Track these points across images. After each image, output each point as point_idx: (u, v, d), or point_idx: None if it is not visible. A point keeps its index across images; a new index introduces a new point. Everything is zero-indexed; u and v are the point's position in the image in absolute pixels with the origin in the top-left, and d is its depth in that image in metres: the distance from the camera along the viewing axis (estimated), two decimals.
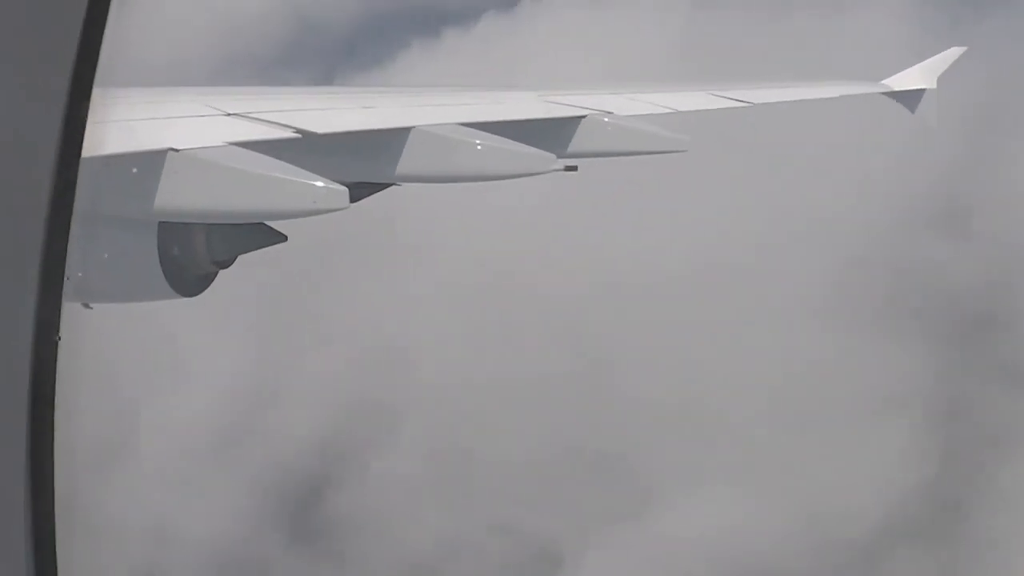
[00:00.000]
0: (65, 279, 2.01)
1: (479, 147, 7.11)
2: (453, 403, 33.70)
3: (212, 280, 6.37)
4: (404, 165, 6.89)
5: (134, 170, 5.29)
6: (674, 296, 34.91)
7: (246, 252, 6.38)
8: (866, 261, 36.23)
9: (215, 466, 33.12)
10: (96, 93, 1.98)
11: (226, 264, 6.36)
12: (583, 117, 8.32)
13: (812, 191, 36.56)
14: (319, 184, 5.58)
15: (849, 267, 35.95)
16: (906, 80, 13.24)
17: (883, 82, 13.26)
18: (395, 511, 31.98)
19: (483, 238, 34.75)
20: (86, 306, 4.96)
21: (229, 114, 6.34)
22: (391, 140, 6.88)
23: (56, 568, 2.12)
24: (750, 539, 29.56)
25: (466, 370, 34.27)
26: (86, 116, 1.97)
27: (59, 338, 2.03)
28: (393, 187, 7.33)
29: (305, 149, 6.15)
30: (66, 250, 1.98)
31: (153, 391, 32.52)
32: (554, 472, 31.93)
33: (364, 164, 6.91)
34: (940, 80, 13.38)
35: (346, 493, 32.90)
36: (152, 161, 5.32)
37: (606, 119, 8.48)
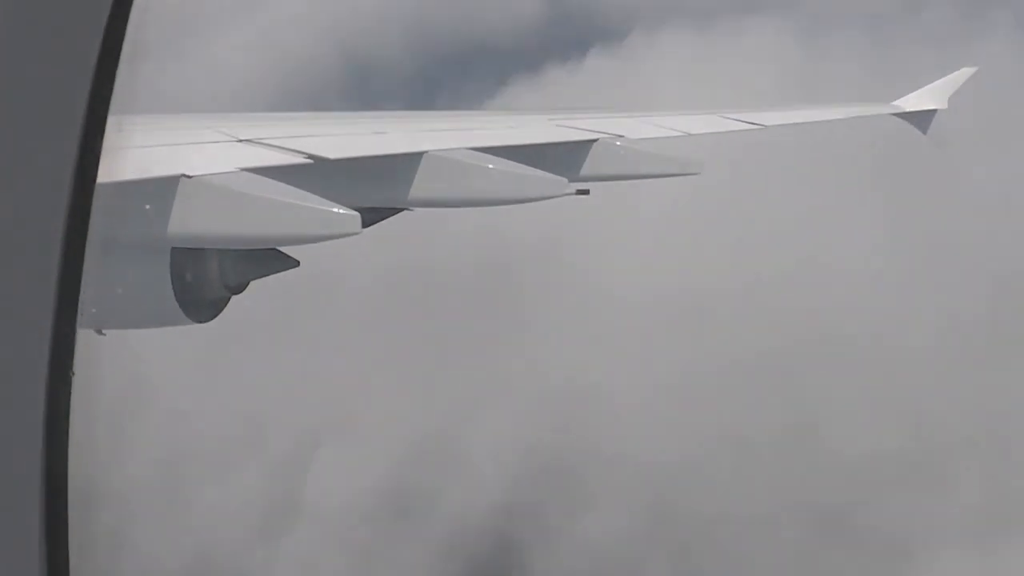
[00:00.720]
0: (79, 308, 2.00)
1: (491, 172, 7.11)
2: (648, 451, 30.23)
3: (224, 306, 6.36)
4: (416, 190, 6.89)
5: (146, 196, 5.29)
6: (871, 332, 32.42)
7: (259, 278, 6.38)
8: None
9: (383, 526, 30.31)
10: (110, 120, 1.98)
11: (238, 290, 6.35)
12: (595, 141, 8.31)
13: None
14: (331, 210, 5.57)
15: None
16: (917, 101, 13.22)
17: (894, 103, 13.25)
18: None
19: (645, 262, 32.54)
20: (99, 332, 4.95)
21: (241, 140, 6.35)
22: (403, 165, 6.88)
23: None
24: None
25: (658, 415, 31.06)
26: (101, 143, 1.96)
27: (73, 373, 2.01)
28: (406, 212, 7.33)
29: (317, 175, 6.14)
30: (80, 278, 1.97)
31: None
32: (780, 529, 28.73)
33: (376, 189, 6.90)
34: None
35: (543, 561, 29.36)
36: (164, 187, 5.33)
37: (618, 143, 8.47)
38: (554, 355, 32.75)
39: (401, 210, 7.28)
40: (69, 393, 2.01)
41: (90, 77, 1.93)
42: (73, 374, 2.01)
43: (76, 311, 1.98)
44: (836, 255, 34.85)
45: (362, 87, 43.45)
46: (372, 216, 6.75)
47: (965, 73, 13.75)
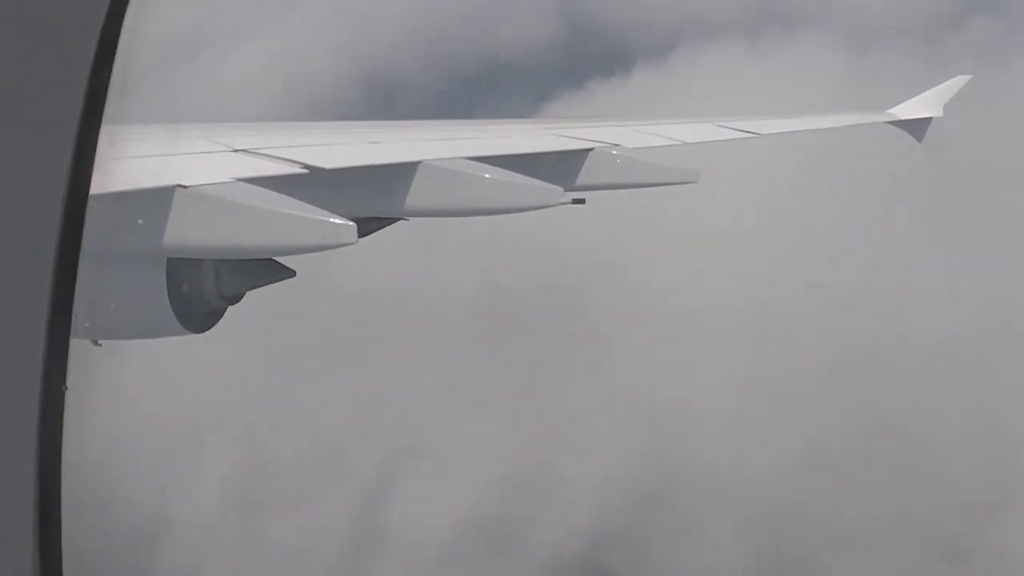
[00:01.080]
0: (72, 319, 1.99)
1: (486, 181, 7.11)
2: (737, 470, 29.27)
3: (221, 316, 6.36)
4: (412, 199, 6.90)
5: (142, 207, 5.29)
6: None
7: (255, 288, 6.38)
8: None
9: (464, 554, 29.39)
10: (104, 130, 1.98)
11: (235, 300, 6.35)
12: (591, 150, 8.32)
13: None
14: (327, 219, 5.58)
15: None
16: (912, 109, 13.25)
17: (889, 111, 13.27)
18: None
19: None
20: (95, 343, 4.94)
21: (236, 150, 6.35)
22: (398, 174, 6.88)
23: None
24: None
25: (730, 427, 30.16)
26: (94, 153, 1.96)
27: (66, 388, 2.00)
28: (402, 221, 7.33)
29: (312, 184, 6.14)
30: (74, 290, 1.96)
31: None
32: (889, 545, 27.60)
33: (372, 199, 6.91)
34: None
35: None
36: (160, 198, 5.33)
37: (614, 151, 8.48)
38: (581, 366, 32.13)
39: (397, 219, 7.29)
40: (62, 405, 2.00)
41: (84, 87, 1.93)
42: (66, 388, 2.00)
43: (70, 323, 1.97)
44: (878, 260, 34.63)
45: (386, 103, 43.37)
46: (368, 226, 6.76)
47: (960, 81, 13.78)
